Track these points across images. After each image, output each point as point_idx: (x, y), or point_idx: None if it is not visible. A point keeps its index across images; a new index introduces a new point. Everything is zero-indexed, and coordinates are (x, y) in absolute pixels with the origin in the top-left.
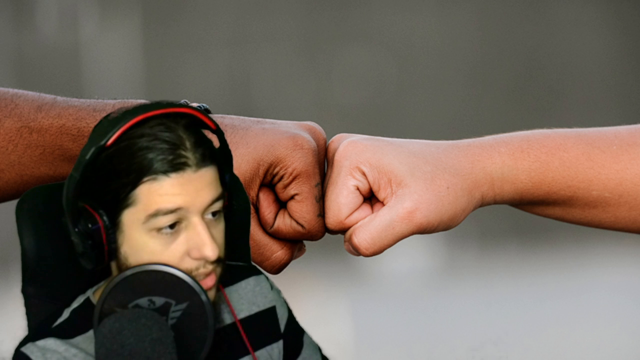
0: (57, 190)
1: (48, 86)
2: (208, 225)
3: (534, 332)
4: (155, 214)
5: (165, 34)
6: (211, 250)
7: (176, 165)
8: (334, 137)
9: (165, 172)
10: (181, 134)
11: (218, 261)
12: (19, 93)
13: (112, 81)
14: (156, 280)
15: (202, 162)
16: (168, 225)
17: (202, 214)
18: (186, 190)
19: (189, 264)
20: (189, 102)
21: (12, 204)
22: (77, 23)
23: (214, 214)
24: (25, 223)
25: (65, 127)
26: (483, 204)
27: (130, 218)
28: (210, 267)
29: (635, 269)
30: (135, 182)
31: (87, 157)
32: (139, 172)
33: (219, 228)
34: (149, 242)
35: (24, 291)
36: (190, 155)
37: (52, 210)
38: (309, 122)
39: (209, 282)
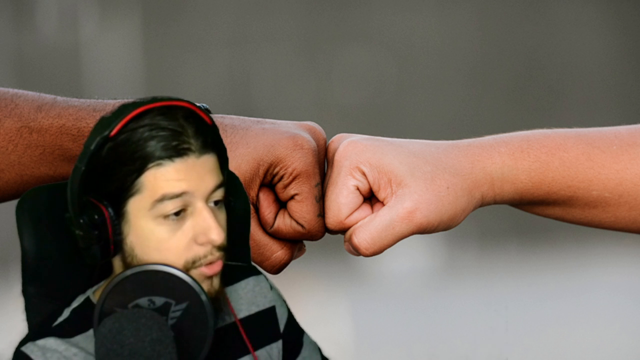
0: (57, 190)
1: (48, 86)
2: (212, 212)
3: (534, 332)
4: (161, 199)
5: (165, 34)
6: (217, 234)
7: (180, 151)
8: (334, 137)
9: (170, 158)
10: (182, 122)
11: (223, 249)
12: (19, 93)
13: (112, 81)
14: (156, 280)
15: (204, 148)
16: (174, 213)
17: (206, 200)
18: (190, 176)
19: (196, 250)
20: None
21: (12, 204)
22: (77, 23)
23: (216, 202)
24: (25, 223)
25: (65, 127)
26: (483, 204)
27: (136, 206)
28: (217, 254)
29: (635, 269)
30: (141, 169)
31: (92, 147)
32: (144, 159)
33: (222, 216)
34: (155, 230)
35: (24, 291)
36: (192, 142)
37: (52, 210)
38: (309, 122)
39: (216, 267)
